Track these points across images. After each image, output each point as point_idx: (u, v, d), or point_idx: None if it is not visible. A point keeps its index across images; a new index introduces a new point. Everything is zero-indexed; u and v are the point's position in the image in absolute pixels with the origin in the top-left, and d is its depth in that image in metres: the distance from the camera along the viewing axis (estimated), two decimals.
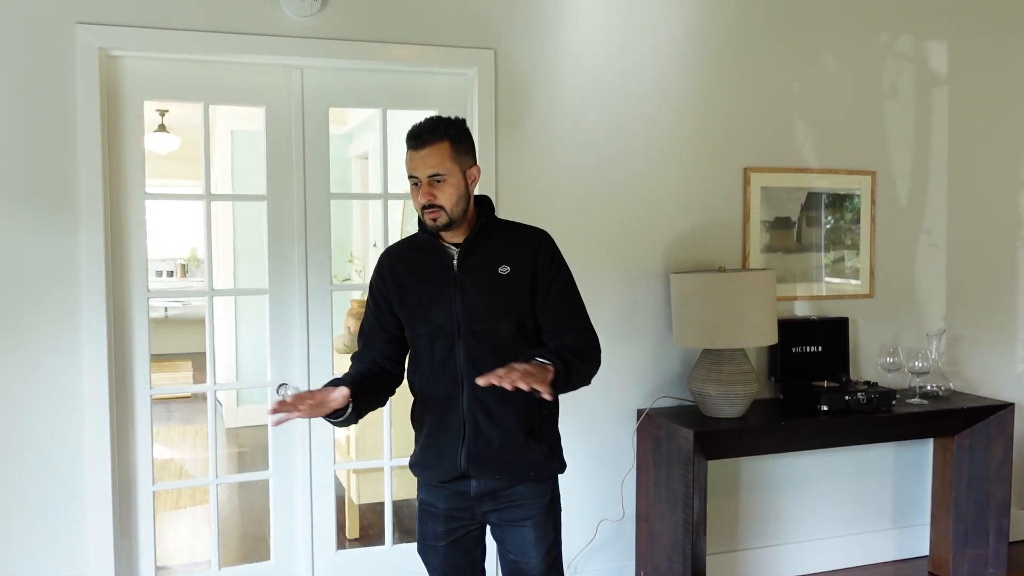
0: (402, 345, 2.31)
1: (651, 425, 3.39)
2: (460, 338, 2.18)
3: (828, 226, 3.77)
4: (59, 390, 2.85)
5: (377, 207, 6.46)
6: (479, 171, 2.25)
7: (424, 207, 2.14)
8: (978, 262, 4.01)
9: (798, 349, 3.67)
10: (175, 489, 5.11)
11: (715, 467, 3.62)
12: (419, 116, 4.01)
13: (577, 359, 2.14)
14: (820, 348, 3.70)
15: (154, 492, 3.05)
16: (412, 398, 2.32)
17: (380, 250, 2.49)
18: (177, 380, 8.05)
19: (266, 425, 3.04)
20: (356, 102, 3.26)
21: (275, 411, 1.97)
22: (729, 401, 3.26)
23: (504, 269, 2.20)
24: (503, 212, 3.26)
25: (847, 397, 3.40)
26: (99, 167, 2.84)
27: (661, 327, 3.52)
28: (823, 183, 3.74)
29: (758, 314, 3.21)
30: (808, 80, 3.70)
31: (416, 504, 2.35)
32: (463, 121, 2.22)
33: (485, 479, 2.21)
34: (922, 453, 3.97)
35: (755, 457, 3.69)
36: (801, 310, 3.76)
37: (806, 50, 3.69)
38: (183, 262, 10.80)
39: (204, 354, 9.64)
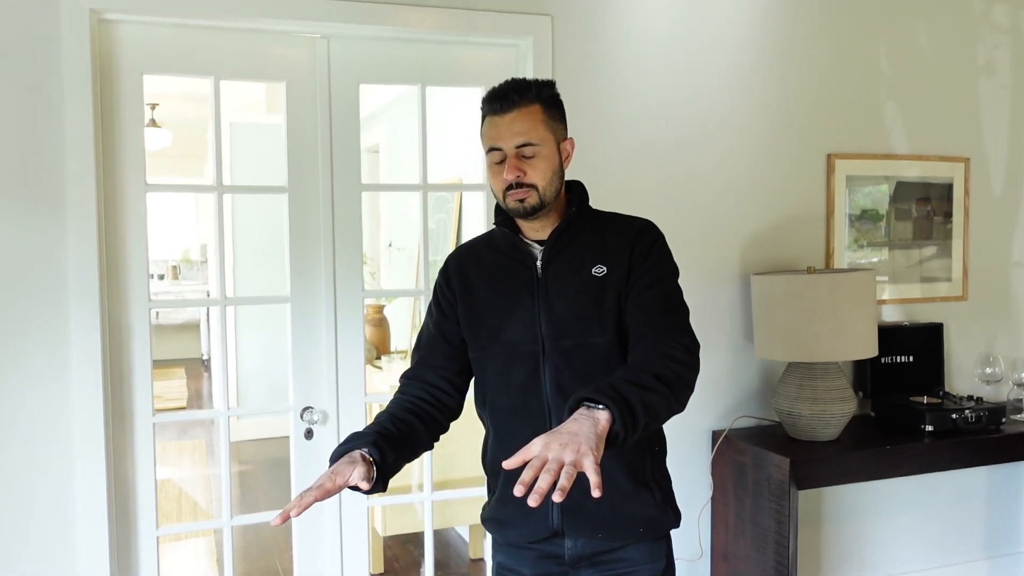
0: (466, 364, 1.84)
1: (731, 450, 2.95)
2: (545, 360, 1.72)
3: (919, 219, 3.34)
4: (44, 423, 2.38)
5: (391, 202, 6.04)
6: (573, 145, 1.79)
7: (509, 187, 1.69)
8: None
9: (887, 359, 3.23)
10: (177, 530, 4.63)
11: (799, 496, 3.19)
12: (462, 94, 3.53)
13: (655, 381, 1.49)
14: (911, 358, 3.27)
15: (158, 538, 2.58)
16: (478, 424, 1.86)
17: (395, 250, 2.00)
18: (171, 390, 7.56)
19: (269, 439, 2.60)
20: (390, 78, 2.81)
21: (283, 519, 1.41)
22: (824, 422, 2.83)
23: (600, 269, 1.73)
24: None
25: (954, 415, 2.96)
26: (91, 153, 2.38)
27: (738, 336, 3.08)
28: (913, 171, 3.30)
29: (858, 321, 2.77)
30: (896, 56, 3.26)
31: (494, 568, 1.89)
32: (555, 84, 1.78)
33: (584, 539, 1.75)
34: (1017, 475, 3.55)
35: (841, 484, 3.25)
36: (890, 315, 3.33)
37: (895, 22, 3.25)
38: (175, 264, 10.29)
39: (199, 360, 9.11)
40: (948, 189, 3.37)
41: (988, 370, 3.29)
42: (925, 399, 3.07)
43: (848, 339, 2.76)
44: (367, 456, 1.56)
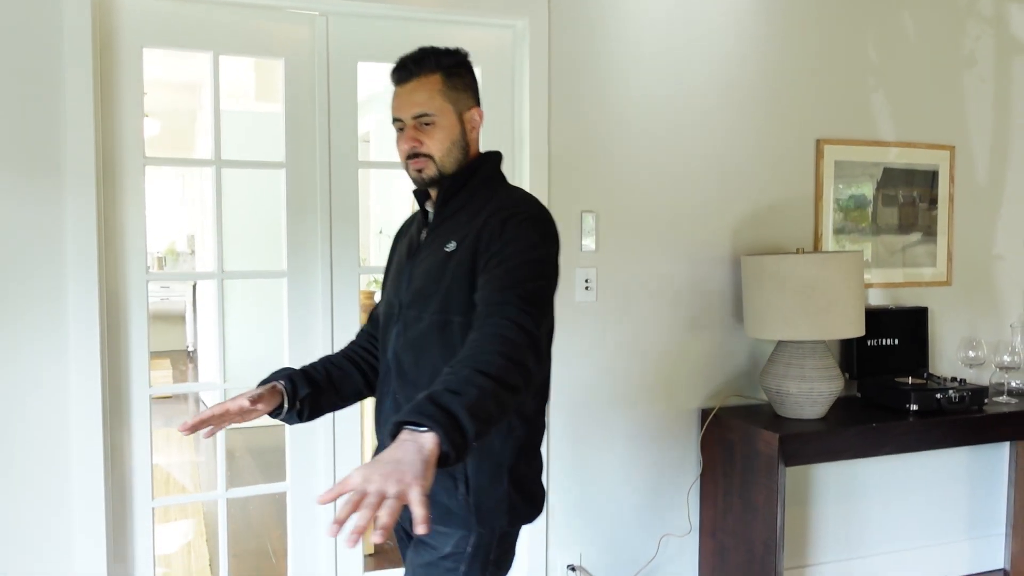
0: None
1: (720, 428, 3.00)
2: (395, 325, 1.74)
3: (905, 205, 3.40)
4: (42, 391, 2.39)
5: (380, 190, 6.05)
6: (481, 115, 1.77)
7: (408, 156, 1.71)
8: None
9: (873, 342, 3.29)
10: (172, 502, 4.63)
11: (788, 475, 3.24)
12: None
13: (481, 377, 1.35)
14: (897, 341, 3.33)
15: (153, 509, 2.60)
16: None
17: (385, 237, 2.04)
18: (157, 380, 7.53)
19: (257, 426, 2.61)
20: (387, 56, 2.78)
21: (191, 430, 1.55)
22: (811, 400, 2.88)
23: (450, 246, 1.68)
24: (556, 188, 2.87)
25: (938, 395, 3.02)
26: (90, 125, 2.39)
27: (728, 316, 3.13)
28: (900, 158, 3.36)
29: (846, 301, 2.83)
30: (884, 45, 3.32)
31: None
32: (463, 53, 1.78)
33: (402, 515, 1.72)
34: (997, 457, 3.61)
35: (826, 464, 3.31)
36: (875, 299, 3.38)
37: (882, 12, 3.31)
38: (160, 255, 10.24)
39: (184, 352, 9.10)
40: (933, 176, 3.44)
41: (971, 353, 3.36)
42: (910, 380, 3.13)
43: (835, 318, 2.81)
44: (279, 386, 1.68)
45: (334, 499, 1.17)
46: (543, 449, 1.83)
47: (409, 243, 1.81)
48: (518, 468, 1.68)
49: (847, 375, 3.28)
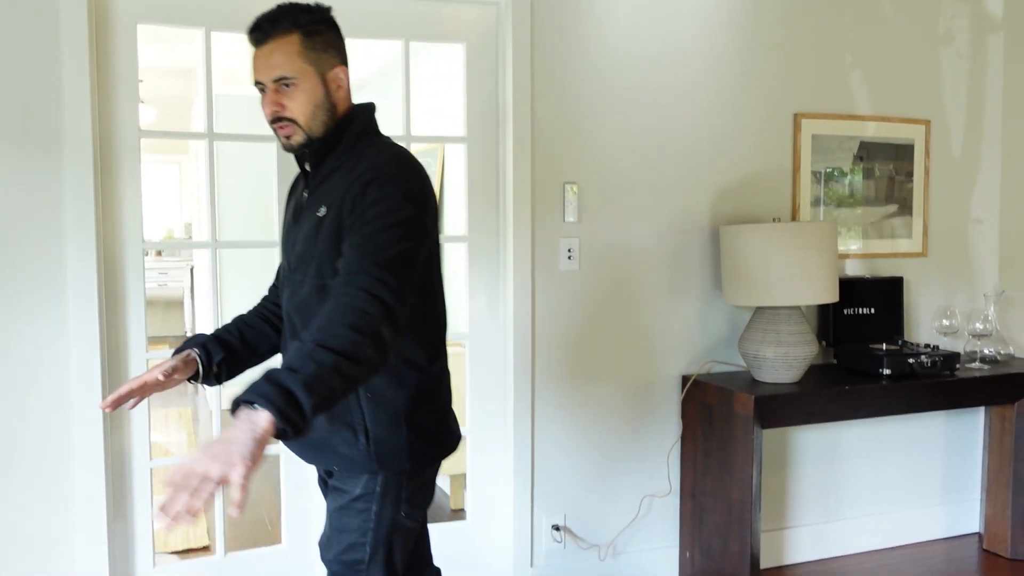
0: None
1: (700, 392, 3.10)
2: (286, 286, 1.80)
3: (882, 178, 3.49)
4: (41, 353, 2.49)
5: None
6: (346, 73, 1.73)
7: (272, 120, 1.69)
8: None
9: (850, 311, 3.39)
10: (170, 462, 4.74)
11: (764, 440, 3.34)
12: (444, 49, 3.66)
13: (325, 353, 1.37)
14: (873, 310, 3.43)
15: (151, 469, 2.70)
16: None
17: None
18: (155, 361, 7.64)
19: None
20: (377, 32, 2.92)
21: (113, 405, 1.66)
22: (787, 364, 2.98)
23: (322, 211, 1.68)
24: (539, 161, 2.96)
25: (911, 360, 3.12)
26: (87, 101, 2.48)
27: (707, 286, 3.22)
28: (876, 131, 3.46)
29: (819, 268, 2.92)
30: (862, 22, 3.40)
31: None
32: (323, 8, 1.73)
33: (313, 464, 1.88)
34: (972, 424, 3.72)
35: (803, 429, 3.41)
36: (852, 269, 3.48)
37: None
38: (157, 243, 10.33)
39: (183, 337, 9.25)
40: (910, 150, 3.53)
41: (945, 322, 3.46)
42: (884, 346, 3.23)
43: (810, 285, 2.91)
44: (193, 354, 1.76)
45: (170, 485, 1.19)
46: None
47: (295, 204, 1.82)
48: (415, 415, 1.72)
49: (824, 343, 3.39)
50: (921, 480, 3.65)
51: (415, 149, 4.92)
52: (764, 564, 3.37)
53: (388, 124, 4.55)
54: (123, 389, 1.67)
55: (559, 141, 2.99)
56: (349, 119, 1.73)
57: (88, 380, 2.52)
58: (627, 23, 3.05)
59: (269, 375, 1.32)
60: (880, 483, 3.58)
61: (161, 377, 1.70)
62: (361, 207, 1.59)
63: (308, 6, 1.69)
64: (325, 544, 1.77)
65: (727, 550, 2.97)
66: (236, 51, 6.23)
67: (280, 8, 1.67)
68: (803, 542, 3.44)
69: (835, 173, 3.41)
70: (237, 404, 1.29)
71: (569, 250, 3.02)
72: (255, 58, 1.69)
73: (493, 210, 3.02)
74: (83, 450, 2.53)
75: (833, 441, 3.48)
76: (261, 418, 1.26)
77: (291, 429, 1.28)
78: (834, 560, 3.47)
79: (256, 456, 1.23)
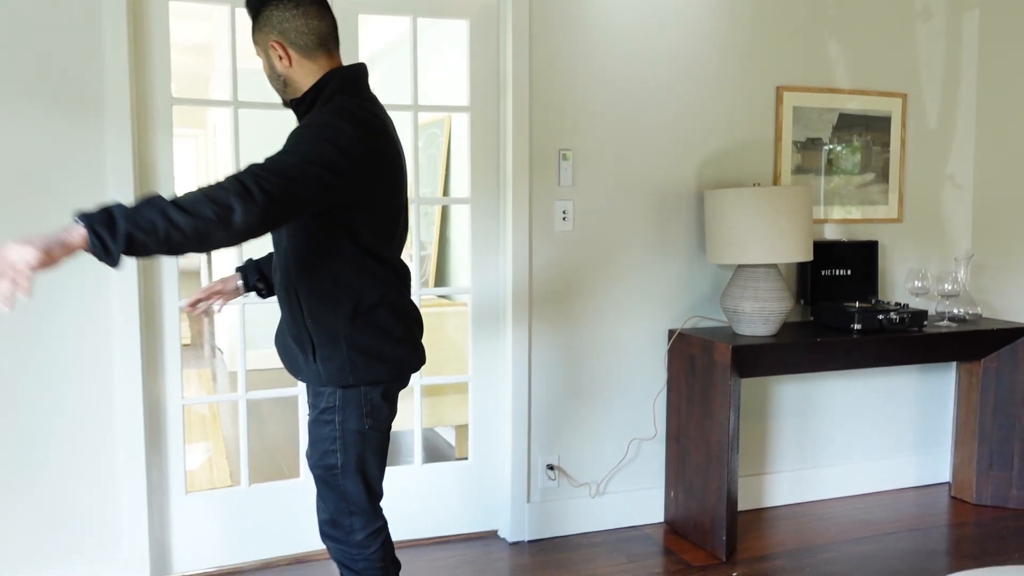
0: None
1: (684, 344, 3.36)
2: None
3: (859, 148, 3.72)
4: (85, 304, 2.77)
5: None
6: (279, 45, 1.94)
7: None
8: (1006, 189, 3.98)
9: (828, 272, 3.63)
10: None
11: (744, 391, 3.61)
12: (450, 26, 3.90)
13: (164, 202, 1.55)
14: (849, 272, 3.67)
15: (183, 406, 2.98)
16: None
17: None
18: None
19: (272, 369, 2.96)
20: (386, 8, 3.17)
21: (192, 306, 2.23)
22: (764, 318, 3.23)
23: None
24: (536, 130, 3.20)
25: (880, 316, 3.37)
26: (125, 69, 2.74)
27: (692, 247, 3.47)
28: (854, 104, 3.69)
29: (794, 229, 3.17)
30: None
31: None
32: None
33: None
34: (944, 380, 3.97)
35: (783, 382, 3.67)
36: (830, 233, 3.72)
37: None
38: None
39: None
40: (886, 122, 3.76)
41: (917, 283, 3.69)
42: (857, 304, 3.48)
43: (784, 244, 3.15)
44: (236, 274, 2.28)
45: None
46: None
47: None
48: (355, 336, 1.93)
49: (802, 301, 3.64)
50: (894, 432, 3.91)
51: (423, 118, 5.19)
52: (744, 506, 3.65)
53: (398, 94, 4.85)
54: (199, 294, 2.17)
55: (555, 111, 3.24)
56: (324, 81, 1.95)
57: (128, 326, 2.79)
58: (619, 1, 3.28)
59: (107, 205, 1.53)
60: (855, 434, 3.84)
61: (223, 286, 2.23)
62: (290, 140, 1.81)
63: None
64: (309, 453, 2.05)
65: (707, 488, 3.24)
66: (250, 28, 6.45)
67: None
68: (781, 487, 3.71)
69: (815, 143, 3.64)
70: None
71: (564, 212, 3.27)
72: None
73: (494, 174, 3.27)
74: (123, 393, 2.81)
75: (811, 394, 3.73)
76: (76, 228, 1.49)
77: (99, 244, 1.48)
78: (809, 504, 3.74)
79: (53, 253, 1.44)
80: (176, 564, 2.99)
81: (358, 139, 1.84)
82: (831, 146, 3.67)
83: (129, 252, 1.52)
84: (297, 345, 1.99)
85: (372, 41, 5.73)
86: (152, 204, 1.54)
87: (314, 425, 2.02)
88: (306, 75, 1.97)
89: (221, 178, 1.65)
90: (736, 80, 3.49)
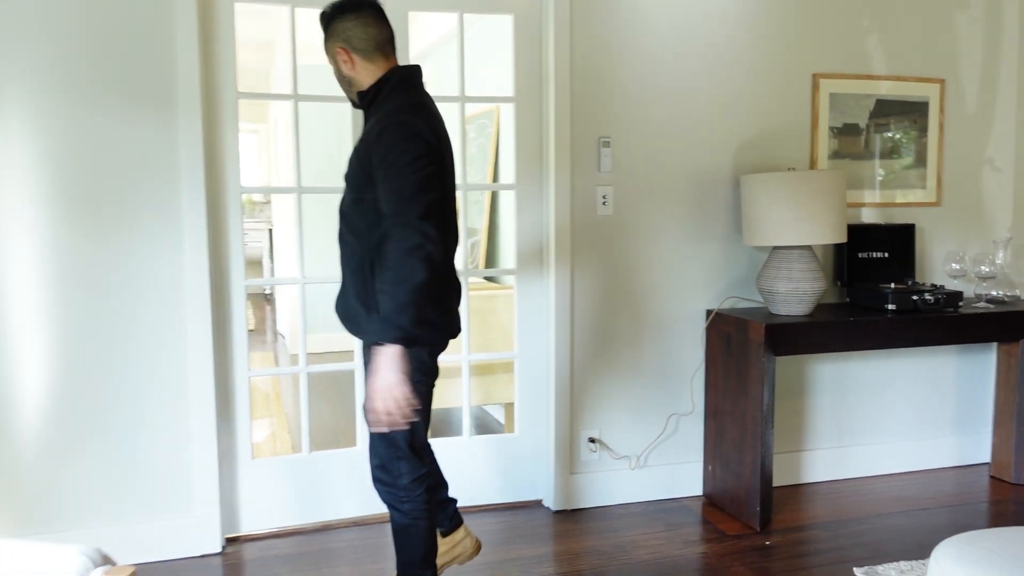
0: None
1: (721, 323, 3.49)
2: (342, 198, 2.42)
3: (896, 133, 3.80)
4: (160, 278, 3.02)
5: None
6: (344, 51, 2.32)
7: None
8: None
9: (864, 255, 3.72)
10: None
11: (782, 370, 3.72)
12: (495, 21, 4.08)
13: (397, 285, 2.09)
14: (886, 254, 3.76)
15: (249, 378, 3.22)
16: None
17: None
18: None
19: (334, 351, 3.16)
20: (435, 5, 3.36)
21: None
22: (798, 298, 3.34)
23: (356, 144, 2.39)
24: (577, 118, 3.36)
25: (914, 297, 3.46)
26: (196, 66, 2.98)
27: (729, 230, 3.60)
28: (891, 90, 3.76)
29: (827, 212, 3.27)
30: None
31: None
32: (326, 12, 2.34)
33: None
34: (985, 361, 4.02)
35: (821, 361, 3.78)
36: (868, 217, 3.81)
37: None
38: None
39: (263, 295, 9.94)
40: (924, 107, 3.82)
41: (955, 266, 3.76)
42: (892, 285, 3.56)
43: (817, 226, 3.26)
44: None
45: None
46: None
47: None
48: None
49: (839, 283, 3.73)
50: (933, 412, 3.98)
51: (474, 108, 5.37)
52: (781, 482, 3.77)
53: (448, 86, 5.01)
54: None
55: (596, 100, 3.39)
56: (383, 81, 2.31)
57: (200, 307, 3.04)
58: None
59: (385, 315, 2.09)
60: (893, 413, 3.92)
61: None
62: (380, 151, 2.16)
63: (324, 11, 2.33)
64: (366, 404, 2.29)
65: (742, 461, 3.37)
66: (313, 25, 6.74)
67: (321, 14, 2.36)
68: (818, 464, 3.81)
69: (852, 128, 3.73)
70: (369, 344, 2.19)
71: (604, 197, 3.43)
72: None
73: (537, 162, 3.44)
74: (196, 367, 3.06)
75: (849, 373, 3.83)
76: (392, 349, 2.09)
77: (406, 344, 2.10)
78: (846, 481, 3.84)
79: (404, 374, 2.09)
80: (243, 524, 3.24)
81: (425, 127, 2.20)
82: (868, 131, 3.75)
83: (417, 332, 2.13)
84: (363, 307, 2.29)
85: (426, 35, 5.94)
86: (392, 297, 2.09)
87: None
88: (367, 75, 2.32)
89: (399, 238, 2.09)
90: (773, 68, 3.59)
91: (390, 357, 2.08)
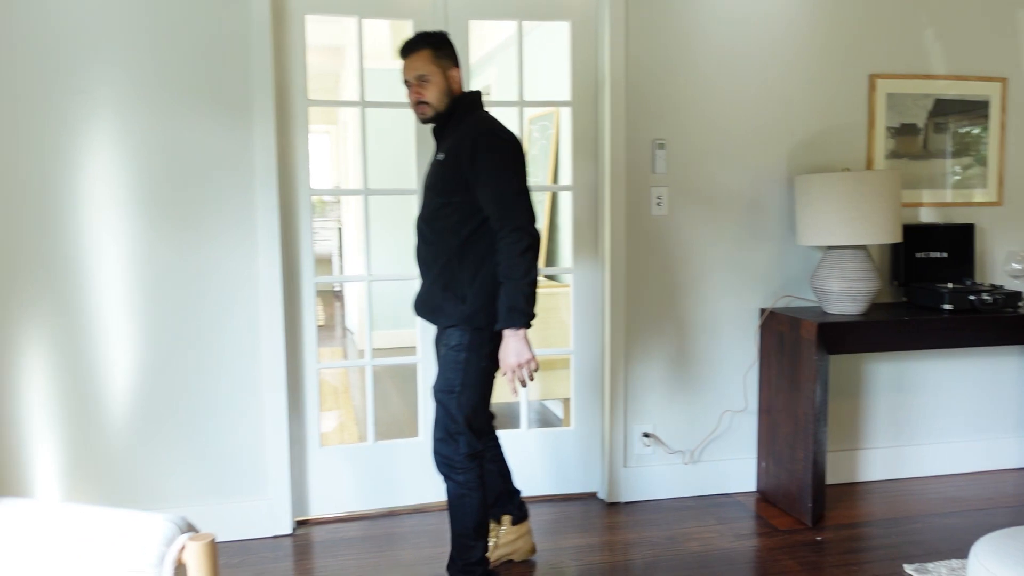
0: None
1: (774, 322, 3.54)
2: (420, 209, 2.75)
3: (956, 133, 3.79)
4: (236, 276, 3.21)
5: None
6: (459, 72, 2.67)
7: (415, 104, 2.65)
8: None
9: (922, 254, 3.73)
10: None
11: (838, 369, 3.75)
12: (552, 27, 4.21)
13: (515, 280, 2.47)
14: (945, 254, 3.75)
15: (318, 370, 3.40)
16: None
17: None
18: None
19: (399, 347, 3.32)
20: (494, 14, 3.48)
21: None
22: (851, 298, 3.38)
23: (440, 156, 2.62)
24: (632, 121, 3.46)
25: (972, 297, 3.45)
26: (269, 76, 3.16)
27: (784, 230, 3.65)
28: (951, 89, 3.75)
29: (881, 212, 3.30)
30: None
31: None
32: (443, 33, 2.67)
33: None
34: None
35: (878, 360, 3.79)
36: (927, 216, 3.81)
37: None
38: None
39: (332, 292, 10.32)
40: (985, 105, 3.80)
41: (1016, 266, 3.73)
42: (950, 284, 3.56)
43: (872, 226, 3.29)
44: None
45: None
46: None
47: (433, 158, 2.74)
48: (492, 292, 2.59)
49: (896, 282, 3.74)
50: (995, 413, 3.95)
51: (536, 111, 5.49)
52: (836, 480, 3.80)
53: (509, 90, 5.12)
54: None
55: (650, 103, 3.48)
56: (459, 100, 2.66)
57: (272, 302, 3.23)
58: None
59: (509, 306, 2.49)
60: (953, 414, 3.91)
61: None
62: (477, 157, 2.49)
63: (435, 32, 2.67)
64: (435, 383, 2.66)
65: (794, 458, 3.42)
66: (380, 32, 6.97)
67: (418, 34, 2.65)
68: (874, 463, 3.83)
69: (909, 128, 3.73)
70: (499, 329, 2.53)
71: (658, 197, 3.52)
72: (404, 66, 2.64)
73: (593, 164, 3.55)
74: (269, 359, 3.25)
75: (906, 373, 3.84)
76: (518, 332, 2.49)
77: (527, 325, 2.49)
78: (903, 480, 3.85)
79: (525, 341, 2.49)
80: (313, 508, 3.43)
81: (509, 135, 2.55)
82: (927, 131, 3.75)
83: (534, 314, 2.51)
84: (453, 296, 2.59)
85: (483, 44, 6.08)
86: (516, 291, 2.48)
87: (444, 358, 2.63)
88: (451, 95, 2.66)
89: (508, 240, 2.48)
90: (829, 69, 3.63)
91: (520, 339, 2.47)
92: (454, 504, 2.65)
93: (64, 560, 1.47)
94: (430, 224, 2.64)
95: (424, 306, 2.71)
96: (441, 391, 2.63)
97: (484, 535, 2.68)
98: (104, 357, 3.11)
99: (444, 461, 2.64)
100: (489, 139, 2.51)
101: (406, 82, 2.65)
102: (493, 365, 2.63)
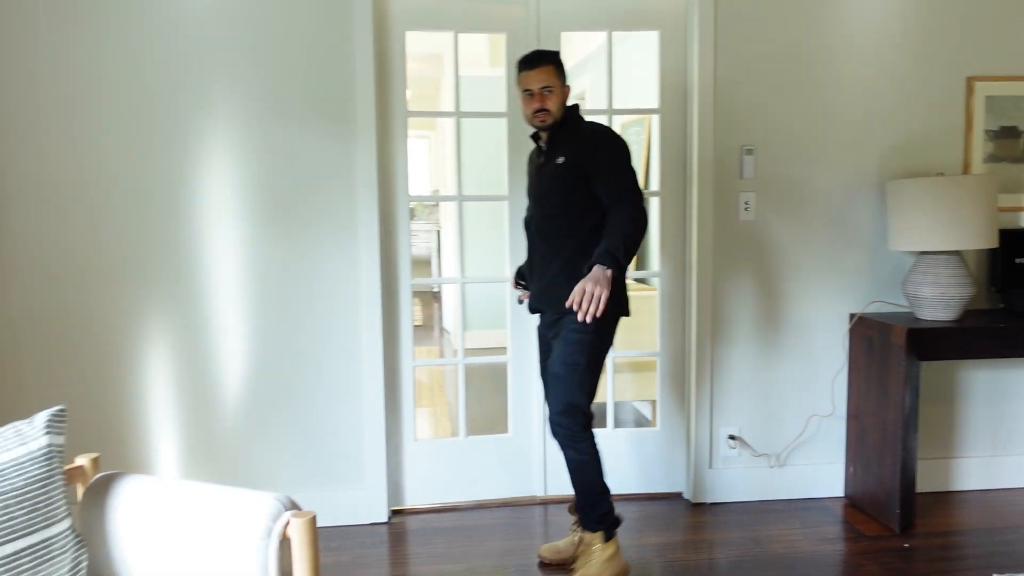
0: None
1: (863, 327, 3.53)
2: (536, 211, 2.97)
3: None
4: (339, 279, 3.42)
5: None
6: (569, 90, 2.95)
7: (535, 111, 2.86)
8: None
9: (1021, 260, 3.64)
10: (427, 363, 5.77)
11: (931, 376, 3.70)
12: (642, 37, 4.29)
13: (620, 233, 2.66)
14: None
15: (414, 367, 3.59)
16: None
17: None
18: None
19: (492, 348, 3.47)
20: (584, 25, 3.59)
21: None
22: (944, 304, 3.34)
23: (560, 159, 2.86)
24: (719, 127, 3.51)
25: None
26: (371, 86, 3.36)
27: (875, 234, 3.63)
28: None
29: (976, 217, 3.25)
30: None
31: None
32: (557, 52, 2.93)
33: (544, 311, 3.04)
34: None
35: (974, 367, 3.72)
36: None
37: None
38: (411, 207, 11.68)
39: (430, 292, 10.57)
40: None
41: None
42: None
43: (966, 231, 3.25)
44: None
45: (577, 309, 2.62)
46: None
47: (536, 167, 2.99)
48: (613, 284, 2.85)
49: (993, 288, 3.67)
50: None
51: (627, 117, 5.56)
52: (928, 488, 3.75)
53: (599, 98, 5.20)
54: (522, 293, 3.22)
55: (738, 110, 3.52)
56: (569, 111, 2.93)
57: (372, 303, 3.43)
58: (801, 4, 3.51)
59: (606, 247, 2.65)
60: None
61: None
62: (600, 156, 2.78)
63: (554, 51, 2.92)
64: (553, 360, 2.86)
65: (882, 464, 3.40)
66: (477, 42, 7.15)
67: (540, 52, 2.88)
68: (969, 472, 3.76)
69: (1009, 131, 3.65)
70: (590, 266, 2.66)
71: (746, 203, 3.55)
72: (528, 76, 2.86)
73: (681, 170, 3.61)
74: (369, 356, 3.45)
75: (1005, 381, 3.75)
76: (606, 271, 2.61)
77: (619, 270, 2.69)
78: (1000, 491, 3.76)
79: (609, 283, 2.59)
80: (407, 498, 3.62)
81: (621, 138, 2.82)
82: None
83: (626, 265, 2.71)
84: (570, 281, 2.86)
85: (581, 50, 6.19)
86: (617, 239, 2.66)
87: (566, 338, 2.84)
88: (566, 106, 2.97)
89: (623, 210, 2.72)
90: (924, 72, 3.59)
91: (606, 276, 2.60)
92: (578, 471, 2.86)
93: (183, 530, 1.67)
94: (552, 221, 2.89)
95: (544, 297, 2.95)
96: (564, 365, 2.82)
97: (609, 497, 2.90)
98: (220, 353, 3.37)
99: (564, 433, 2.84)
100: (607, 141, 2.78)
101: (527, 91, 2.85)
102: (608, 345, 2.87)
